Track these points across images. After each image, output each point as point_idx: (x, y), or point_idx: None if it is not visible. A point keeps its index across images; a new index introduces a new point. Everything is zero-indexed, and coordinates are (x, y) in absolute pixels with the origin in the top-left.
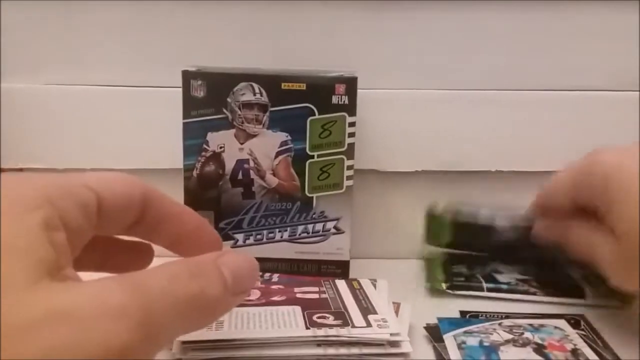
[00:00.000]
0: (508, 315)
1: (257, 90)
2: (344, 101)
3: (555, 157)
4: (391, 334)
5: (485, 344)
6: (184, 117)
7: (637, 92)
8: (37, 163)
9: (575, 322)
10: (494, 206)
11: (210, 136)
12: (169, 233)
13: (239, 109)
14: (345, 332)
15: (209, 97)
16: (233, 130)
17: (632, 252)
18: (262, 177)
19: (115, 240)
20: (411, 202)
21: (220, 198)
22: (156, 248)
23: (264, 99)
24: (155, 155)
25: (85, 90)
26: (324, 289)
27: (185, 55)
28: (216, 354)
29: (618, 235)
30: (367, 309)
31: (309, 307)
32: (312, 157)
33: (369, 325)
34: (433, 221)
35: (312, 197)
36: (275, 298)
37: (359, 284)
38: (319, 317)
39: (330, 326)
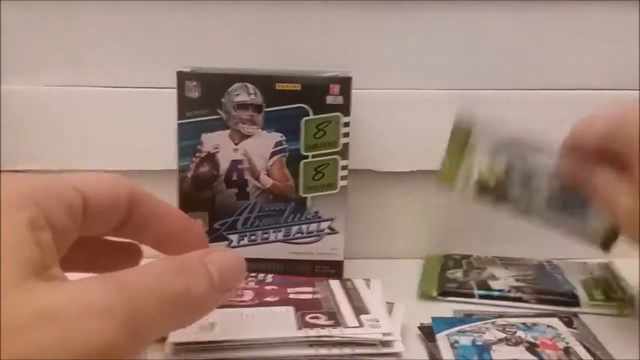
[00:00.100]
0: (502, 314)
1: (251, 91)
2: (338, 101)
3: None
4: (383, 334)
5: (478, 343)
6: (179, 118)
7: (637, 91)
8: (33, 164)
9: (568, 320)
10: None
11: (205, 137)
12: (156, 233)
13: (234, 109)
14: (337, 333)
15: (204, 97)
16: (227, 131)
17: None
18: (257, 178)
19: (103, 240)
20: (407, 202)
21: (214, 199)
22: (145, 249)
23: (259, 99)
24: (150, 157)
25: (80, 92)
26: (318, 289)
27: (180, 56)
28: (208, 355)
29: None
30: (359, 309)
31: (302, 308)
32: (307, 157)
33: (361, 325)
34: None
35: (307, 197)
36: (269, 299)
37: (353, 284)
38: (311, 318)
39: (323, 326)
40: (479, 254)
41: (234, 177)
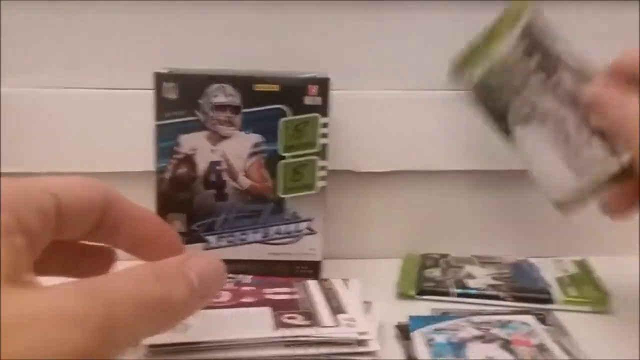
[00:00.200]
0: (478, 312)
1: (229, 92)
2: (316, 102)
3: None
4: (359, 333)
5: (454, 340)
6: (156, 119)
7: None
8: (8, 167)
9: (542, 317)
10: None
11: (183, 138)
12: (130, 236)
13: (212, 110)
14: (313, 332)
15: (181, 99)
16: (205, 132)
17: None
18: (235, 179)
19: (77, 244)
20: (385, 202)
21: (192, 200)
22: (124, 253)
23: (237, 100)
24: (128, 158)
25: (57, 94)
26: (295, 289)
27: (157, 57)
28: (184, 356)
29: None
30: (337, 309)
31: (279, 308)
32: (285, 158)
33: (337, 325)
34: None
35: (285, 198)
36: (246, 299)
37: (331, 284)
38: (288, 318)
39: (299, 326)
40: (456, 254)
41: (212, 178)
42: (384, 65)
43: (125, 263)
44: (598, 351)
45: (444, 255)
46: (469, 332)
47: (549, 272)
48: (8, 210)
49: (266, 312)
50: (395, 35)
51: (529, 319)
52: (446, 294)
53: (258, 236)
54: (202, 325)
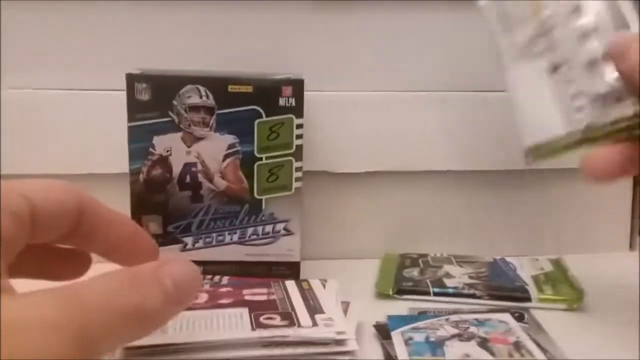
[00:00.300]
0: (456, 311)
1: (203, 93)
2: (291, 103)
3: (507, 156)
4: (337, 333)
5: (432, 339)
6: (129, 121)
7: None
8: None
9: (519, 315)
10: None
11: (157, 139)
12: (105, 240)
13: (186, 112)
14: (291, 332)
15: (154, 100)
16: (180, 134)
17: None
18: (211, 180)
19: (52, 247)
20: (363, 203)
21: (168, 202)
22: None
23: (211, 101)
24: (103, 160)
25: (28, 94)
26: (273, 290)
27: (129, 58)
28: (161, 358)
29: None
30: (315, 309)
31: (257, 309)
32: (261, 159)
33: (315, 324)
34: None
35: (261, 199)
36: (223, 301)
37: (309, 284)
38: (265, 319)
39: (277, 327)
40: (434, 253)
41: (188, 180)
42: (358, 67)
43: (101, 266)
44: (574, 348)
45: (423, 255)
46: (447, 330)
47: (526, 270)
48: None
49: (244, 312)
50: (370, 36)
51: (506, 317)
52: (424, 293)
53: (235, 237)
54: (179, 327)
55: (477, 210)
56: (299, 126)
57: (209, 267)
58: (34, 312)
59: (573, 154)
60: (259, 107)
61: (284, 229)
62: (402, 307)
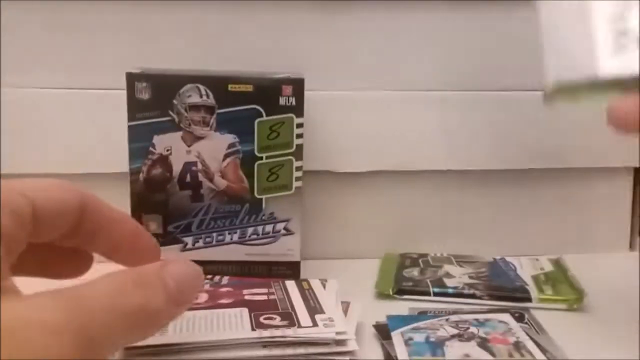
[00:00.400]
0: (456, 311)
1: (203, 92)
2: (291, 102)
3: (508, 156)
4: (337, 333)
5: (432, 339)
6: (129, 120)
7: None
8: None
9: (519, 315)
10: None
11: (157, 139)
12: (107, 239)
13: (186, 111)
14: (290, 333)
15: (155, 99)
16: (180, 133)
17: None
18: (211, 180)
19: (53, 246)
20: (363, 202)
21: (168, 201)
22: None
23: (211, 100)
24: (104, 159)
25: (29, 93)
26: (273, 290)
27: (130, 57)
28: (160, 358)
29: None
30: (315, 309)
31: (257, 309)
32: (261, 158)
33: (315, 325)
34: None
35: (262, 198)
36: (223, 301)
37: (309, 284)
38: (265, 319)
39: (277, 327)
40: (435, 253)
41: (188, 179)
42: (359, 66)
43: (102, 266)
44: (574, 348)
45: (423, 255)
46: (447, 331)
47: (526, 270)
48: None
49: (244, 312)
50: (370, 36)
51: (507, 317)
52: (424, 293)
53: (235, 237)
54: (179, 327)
55: (477, 210)
56: (299, 125)
57: (209, 267)
58: (34, 314)
59: (597, 100)
60: (259, 107)
61: (284, 228)
62: (402, 307)
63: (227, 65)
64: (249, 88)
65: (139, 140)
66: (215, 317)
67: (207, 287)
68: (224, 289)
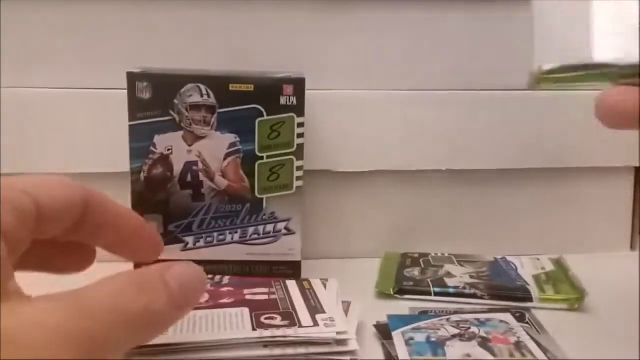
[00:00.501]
0: (457, 311)
1: (204, 92)
2: (292, 102)
3: (508, 155)
4: (338, 333)
5: (433, 339)
6: (130, 120)
7: None
8: None
9: (520, 315)
10: None
11: (158, 138)
12: (111, 234)
13: (187, 110)
14: (291, 332)
15: (155, 99)
16: (181, 132)
17: None
18: (212, 179)
19: (56, 241)
20: (364, 202)
21: (169, 201)
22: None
23: (212, 100)
24: (102, 159)
25: (30, 93)
26: (274, 290)
27: (130, 56)
28: (160, 358)
29: None
30: (315, 309)
31: (258, 309)
32: (262, 158)
33: (316, 324)
34: None
35: (262, 198)
36: (224, 300)
37: (310, 284)
38: (266, 318)
39: (278, 327)
40: (436, 253)
41: (189, 179)
42: (359, 66)
43: (104, 266)
44: (575, 349)
45: (424, 255)
46: (448, 330)
47: (527, 270)
48: None
49: (244, 312)
50: (370, 36)
51: (508, 317)
52: (425, 293)
53: (236, 237)
54: (180, 327)
55: (477, 210)
56: (300, 125)
57: (209, 267)
58: (35, 317)
59: (579, 87)
60: (260, 106)
61: (285, 228)
62: (403, 307)
63: (228, 64)
64: (250, 88)
65: (140, 140)
66: (216, 316)
67: (208, 286)
68: (224, 289)
